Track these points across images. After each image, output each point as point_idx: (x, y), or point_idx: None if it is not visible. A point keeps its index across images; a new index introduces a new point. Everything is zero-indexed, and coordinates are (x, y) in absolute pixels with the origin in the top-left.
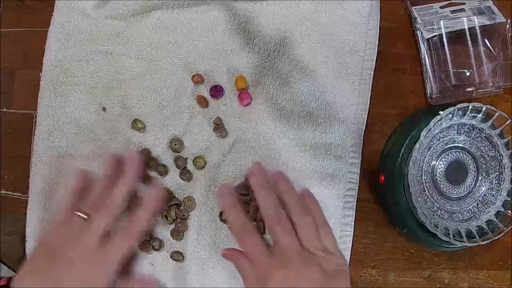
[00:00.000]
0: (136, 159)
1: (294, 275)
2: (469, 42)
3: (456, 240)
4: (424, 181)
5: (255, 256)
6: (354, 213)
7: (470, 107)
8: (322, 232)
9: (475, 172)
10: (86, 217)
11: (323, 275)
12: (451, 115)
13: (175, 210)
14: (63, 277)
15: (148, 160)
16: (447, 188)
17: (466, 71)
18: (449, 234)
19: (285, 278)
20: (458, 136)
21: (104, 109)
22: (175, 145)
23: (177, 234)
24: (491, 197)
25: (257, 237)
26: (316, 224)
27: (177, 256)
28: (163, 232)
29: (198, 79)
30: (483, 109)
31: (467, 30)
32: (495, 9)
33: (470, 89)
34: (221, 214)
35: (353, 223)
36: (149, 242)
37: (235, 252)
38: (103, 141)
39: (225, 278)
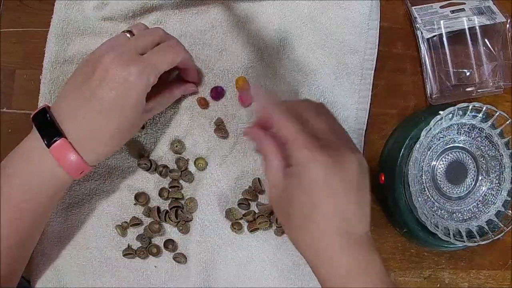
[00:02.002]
0: None
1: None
2: (469, 42)
3: (456, 240)
4: (424, 181)
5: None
6: None
7: (470, 107)
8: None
9: (475, 172)
10: (130, 36)
11: (360, 167)
12: (451, 115)
13: (175, 212)
14: (100, 86)
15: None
16: (447, 188)
17: (466, 71)
18: (449, 234)
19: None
20: (458, 136)
21: None
22: (176, 146)
23: (181, 233)
24: (491, 197)
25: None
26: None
27: (180, 258)
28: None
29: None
30: (483, 109)
31: (467, 30)
32: (495, 9)
33: (470, 89)
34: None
35: None
36: (147, 248)
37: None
38: None
39: (228, 279)
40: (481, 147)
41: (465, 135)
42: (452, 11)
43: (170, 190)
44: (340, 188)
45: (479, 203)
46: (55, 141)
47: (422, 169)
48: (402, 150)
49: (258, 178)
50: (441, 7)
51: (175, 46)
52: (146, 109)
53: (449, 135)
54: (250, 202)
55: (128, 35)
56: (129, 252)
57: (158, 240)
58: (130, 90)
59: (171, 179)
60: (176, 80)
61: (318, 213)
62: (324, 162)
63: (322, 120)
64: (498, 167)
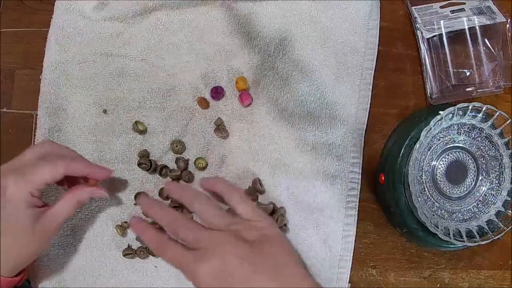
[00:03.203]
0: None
1: (217, 262)
2: (469, 42)
3: (456, 240)
4: (424, 181)
5: (177, 261)
6: (356, 212)
7: (470, 107)
8: (234, 201)
9: (475, 172)
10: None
11: (247, 246)
12: (451, 115)
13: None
14: None
15: (143, 160)
16: (447, 188)
17: (466, 71)
18: (449, 234)
19: (210, 270)
20: (458, 136)
21: (105, 111)
22: (176, 146)
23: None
24: (491, 197)
25: (174, 244)
26: (213, 201)
27: None
28: None
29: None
30: (483, 109)
31: (467, 30)
32: (495, 9)
33: (470, 89)
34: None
35: (355, 223)
36: (147, 248)
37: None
38: (104, 143)
39: None
40: (481, 147)
41: (465, 135)
42: (452, 11)
43: None
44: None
45: (479, 203)
46: None
47: (422, 169)
48: (402, 150)
49: (258, 178)
50: (441, 7)
51: (55, 161)
52: (39, 218)
53: (449, 135)
54: None
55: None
56: (129, 252)
57: None
58: (8, 200)
59: (171, 179)
60: (78, 185)
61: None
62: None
63: (223, 216)
64: (498, 167)
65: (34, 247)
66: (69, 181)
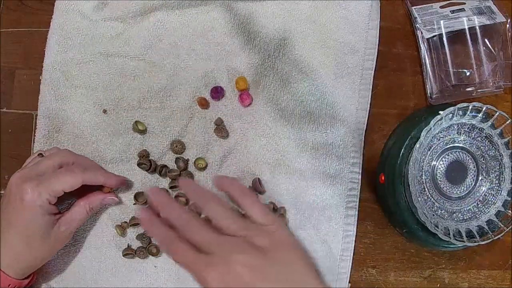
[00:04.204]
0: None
1: (227, 270)
2: (469, 42)
3: (456, 240)
4: (424, 181)
5: (187, 263)
6: (357, 212)
7: (470, 107)
8: (247, 205)
9: (475, 172)
10: (40, 157)
11: (257, 254)
12: (451, 115)
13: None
14: (4, 205)
15: (143, 160)
16: (447, 188)
17: (466, 71)
18: (449, 234)
19: (220, 276)
20: (458, 136)
21: (104, 111)
22: (176, 146)
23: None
24: (491, 197)
25: (185, 245)
26: (226, 203)
27: None
28: None
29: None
30: (483, 109)
31: (467, 30)
32: (495, 9)
33: (470, 89)
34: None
35: (355, 223)
36: (147, 248)
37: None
38: (104, 144)
39: None
40: (481, 147)
41: (465, 135)
42: (452, 11)
43: (170, 190)
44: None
45: (479, 203)
46: None
47: (422, 169)
48: (402, 150)
49: (258, 178)
50: (441, 7)
51: (73, 170)
52: (54, 225)
53: (449, 135)
54: None
55: (39, 157)
56: (128, 252)
57: None
58: (26, 207)
59: (171, 179)
60: (93, 192)
61: None
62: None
63: (234, 223)
64: (498, 167)
65: (47, 252)
66: (83, 189)
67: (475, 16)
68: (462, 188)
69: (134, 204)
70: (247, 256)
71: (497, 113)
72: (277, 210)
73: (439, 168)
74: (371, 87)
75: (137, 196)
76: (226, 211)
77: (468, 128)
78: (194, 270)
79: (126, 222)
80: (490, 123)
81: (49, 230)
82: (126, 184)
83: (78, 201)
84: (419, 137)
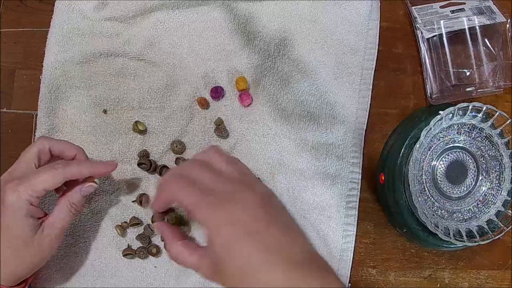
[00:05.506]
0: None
1: (234, 209)
2: (469, 42)
3: (456, 239)
4: (424, 181)
5: (192, 202)
6: (357, 212)
7: (470, 107)
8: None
9: (475, 171)
10: None
11: (260, 196)
12: (451, 115)
13: (175, 212)
14: None
15: (143, 161)
16: (447, 188)
17: (466, 71)
18: (449, 233)
19: (227, 216)
20: (458, 136)
21: (105, 111)
22: (176, 146)
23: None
24: (491, 196)
25: (192, 186)
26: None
27: None
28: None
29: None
30: (483, 109)
31: (467, 30)
32: (495, 8)
33: (470, 89)
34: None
35: (356, 223)
36: (147, 248)
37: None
38: (104, 144)
39: None
40: (481, 147)
41: (465, 135)
42: (452, 11)
43: None
44: (247, 228)
45: (479, 203)
46: None
47: (422, 169)
48: (402, 150)
49: (258, 178)
50: (441, 7)
51: (54, 166)
52: (38, 229)
53: (449, 135)
54: None
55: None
56: (128, 252)
57: (158, 240)
58: (6, 209)
59: None
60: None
61: (247, 265)
62: (223, 217)
63: (233, 168)
64: (498, 167)
65: (34, 259)
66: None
67: (475, 16)
68: (462, 188)
69: (133, 201)
70: (253, 197)
71: (497, 113)
72: None
73: (439, 168)
74: (371, 87)
75: (137, 197)
76: (224, 158)
77: (468, 128)
78: (198, 209)
79: (126, 222)
80: (490, 123)
81: (32, 234)
82: (116, 167)
83: (59, 200)
84: (419, 137)
